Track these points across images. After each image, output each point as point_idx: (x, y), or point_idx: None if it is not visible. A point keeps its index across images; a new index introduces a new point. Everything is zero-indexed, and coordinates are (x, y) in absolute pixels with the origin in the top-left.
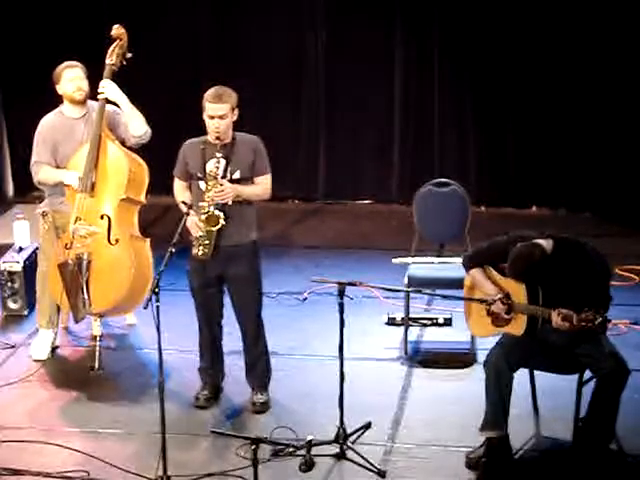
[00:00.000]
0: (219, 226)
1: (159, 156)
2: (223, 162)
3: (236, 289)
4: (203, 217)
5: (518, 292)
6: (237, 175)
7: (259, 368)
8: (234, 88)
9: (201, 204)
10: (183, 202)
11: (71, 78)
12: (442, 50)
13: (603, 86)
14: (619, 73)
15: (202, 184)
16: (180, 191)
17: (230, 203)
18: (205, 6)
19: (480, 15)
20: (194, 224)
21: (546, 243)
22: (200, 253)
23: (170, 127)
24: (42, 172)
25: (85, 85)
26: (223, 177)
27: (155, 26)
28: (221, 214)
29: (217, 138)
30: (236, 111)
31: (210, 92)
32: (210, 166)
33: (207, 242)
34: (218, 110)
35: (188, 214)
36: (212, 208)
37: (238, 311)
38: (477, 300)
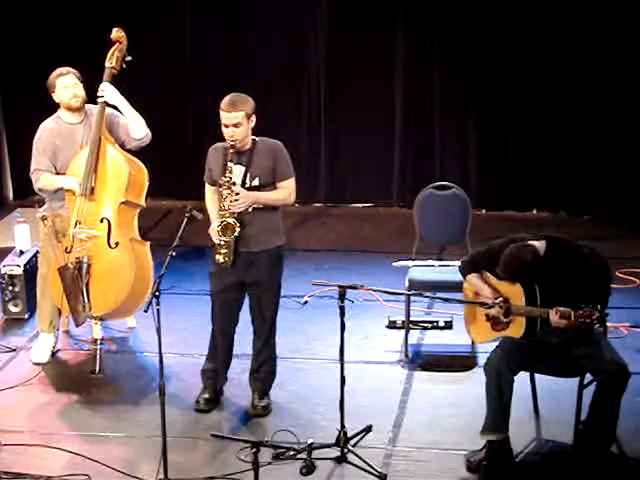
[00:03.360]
0: (235, 235)
1: (159, 159)
2: (239, 170)
3: (255, 294)
4: (218, 227)
5: (516, 295)
6: (256, 182)
7: (264, 371)
8: (234, 91)
9: (219, 213)
10: (183, 205)
11: (65, 86)
12: (443, 53)
13: (603, 90)
14: (619, 77)
15: (222, 191)
16: (209, 196)
17: (250, 210)
18: (206, 9)
19: (481, 20)
20: (213, 231)
21: (539, 244)
22: (221, 261)
23: (170, 130)
24: (42, 179)
25: (80, 90)
26: (242, 185)
27: (155, 29)
28: (237, 223)
29: (232, 146)
30: (253, 118)
31: (225, 100)
32: (225, 176)
33: (227, 250)
34: (232, 119)
35: (188, 217)
36: (227, 218)
37: (254, 315)
38: (477, 303)
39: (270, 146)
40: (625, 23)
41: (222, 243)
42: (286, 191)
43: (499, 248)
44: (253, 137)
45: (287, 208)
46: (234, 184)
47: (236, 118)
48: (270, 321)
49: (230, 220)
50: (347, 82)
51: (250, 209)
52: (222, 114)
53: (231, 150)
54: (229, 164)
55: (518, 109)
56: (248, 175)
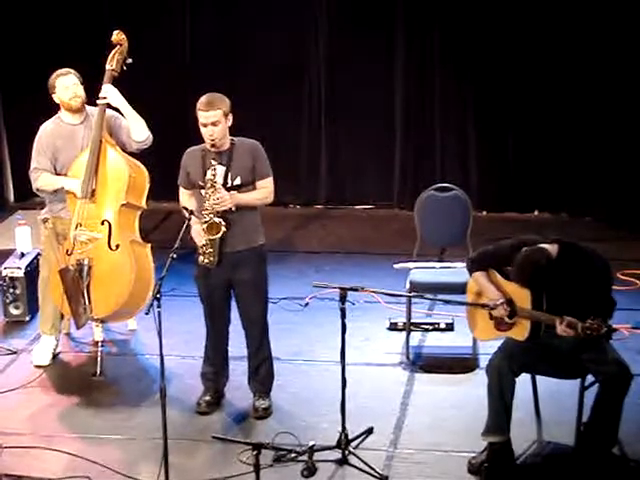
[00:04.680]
0: (220, 234)
1: (160, 161)
2: (220, 170)
3: (242, 294)
4: (204, 226)
5: (522, 297)
6: (238, 181)
7: (262, 373)
8: (235, 92)
9: (203, 213)
10: (184, 208)
11: (66, 86)
12: (443, 54)
13: (603, 91)
14: (620, 78)
15: (204, 192)
16: (185, 200)
17: (233, 209)
18: (206, 9)
19: (481, 20)
20: (197, 233)
21: (551, 248)
22: (206, 262)
23: (171, 132)
24: (41, 179)
25: (80, 90)
26: (224, 184)
27: (155, 29)
28: (222, 222)
29: (213, 145)
30: (230, 117)
31: (201, 100)
32: (207, 175)
33: (211, 250)
34: (210, 117)
35: (189, 219)
36: (212, 216)
37: (244, 316)
38: (479, 305)
39: (249, 146)
40: (625, 23)
41: (207, 243)
42: (266, 190)
43: (508, 249)
44: (231, 137)
45: (289, 210)
46: (217, 182)
47: (214, 116)
48: (260, 322)
49: (216, 219)
50: (347, 83)
51: (233, 208)
52: (200, 114)
53: (212, 149)
54: (213, 162)
55: (518, 110)
56: (229, 175)
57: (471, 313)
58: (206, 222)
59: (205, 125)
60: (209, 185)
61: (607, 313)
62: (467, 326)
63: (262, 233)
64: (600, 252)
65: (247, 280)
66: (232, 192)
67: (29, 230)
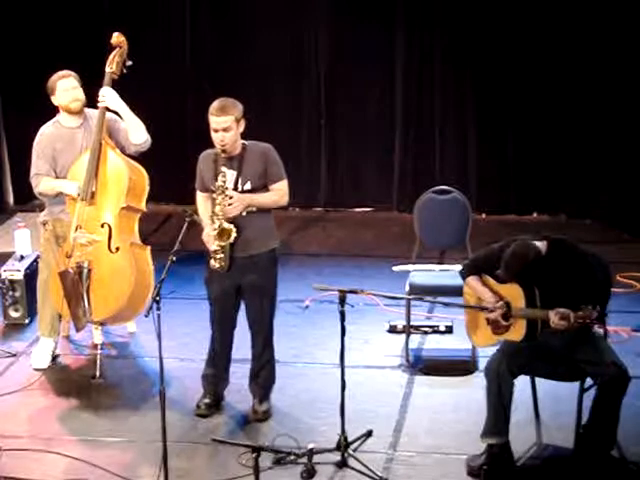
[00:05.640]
0: (231, 239)
1: (159, 164)
2: (230, 175)
3: (251, 298)
4: (214, 232)
5: (516, 297)
6: (248, 186)
7: (264, 376)
8: (235, 93)
9: (214, 218)
10: (184, 210)
11: (65, 88)
12: (443, 56)
13: (603, 93)
14: (619, 80)
15: (215, 196)
16: (202, 203)
17: (244, 214)
18: (206, 9)
19: (482, 21)
20: (208, 237)
21: (540, 244)
22: (217, 266)
23: (171, 135)
24: (42, 184)
25: (80, 93)
26: (234, 189)
27: (155, 33)
28: (232, 227)
29: (223, 151)
30: (242, 122)
31: (214, 105)
32: (217, 181)
33: (222, 255)
34: (221, 123)
35: (189, 221)
36: (223, 222)
37: (251, 319)
38: (478, 307)
39: (260, 149)
40: (625, 24)
41: (218, 248)
42: (279, 193)
43: (499, 251)
44: (243, 141)
45: (288, 213)
46: (227, 188)
47: (225, 122)
48: (267, 325)
49: (226, 225)
50: (347, 87)
51: (244, 213)
52: (211, 119)
53: (223, 155)
54: (222, 169)
55: (518, 113)
56: (240, 179)
57: (469, 321)
58: (217, 228)
59: (216, 130)
60: (220, 191)
61: (601, 303)
62: (466, 333)
63: (275, 236)
64: (597, 252)
65: (256, 284)
66: (245, 194)
67: (28, 233)
